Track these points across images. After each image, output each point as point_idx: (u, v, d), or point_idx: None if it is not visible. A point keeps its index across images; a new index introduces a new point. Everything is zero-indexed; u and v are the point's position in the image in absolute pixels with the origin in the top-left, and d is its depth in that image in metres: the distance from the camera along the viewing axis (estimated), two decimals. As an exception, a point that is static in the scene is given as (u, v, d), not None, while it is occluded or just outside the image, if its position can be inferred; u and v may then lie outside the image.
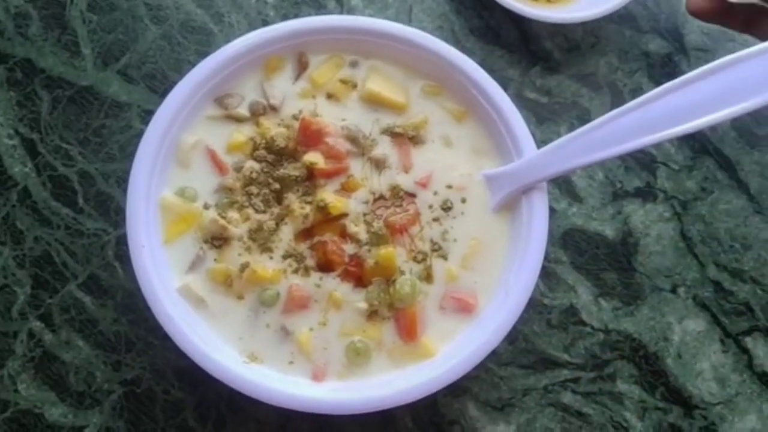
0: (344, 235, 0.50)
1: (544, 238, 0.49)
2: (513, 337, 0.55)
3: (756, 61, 0.41)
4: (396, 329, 0.50)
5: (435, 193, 0.51)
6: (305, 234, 0.51)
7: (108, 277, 0.55)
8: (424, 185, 0.51)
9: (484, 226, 0.51)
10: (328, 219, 0.50)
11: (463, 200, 0.51)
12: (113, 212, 0.56)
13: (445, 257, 0.50)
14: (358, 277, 0.50)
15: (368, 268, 0.50)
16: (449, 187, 0.51)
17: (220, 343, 0.49)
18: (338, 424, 0.53)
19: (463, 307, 0.50)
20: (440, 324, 0.50)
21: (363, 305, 0.49)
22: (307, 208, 0.50)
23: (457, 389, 0.54)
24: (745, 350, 0.56)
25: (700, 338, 0.56)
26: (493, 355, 0.49)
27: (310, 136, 0.51)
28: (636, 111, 0.45)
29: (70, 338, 0.54)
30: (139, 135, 0.55)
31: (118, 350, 0.54)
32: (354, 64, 0.54)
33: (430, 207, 0.51)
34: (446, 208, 0.51)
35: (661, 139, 0.44)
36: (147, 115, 0.57)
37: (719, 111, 0.42)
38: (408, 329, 0.49)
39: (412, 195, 0.51)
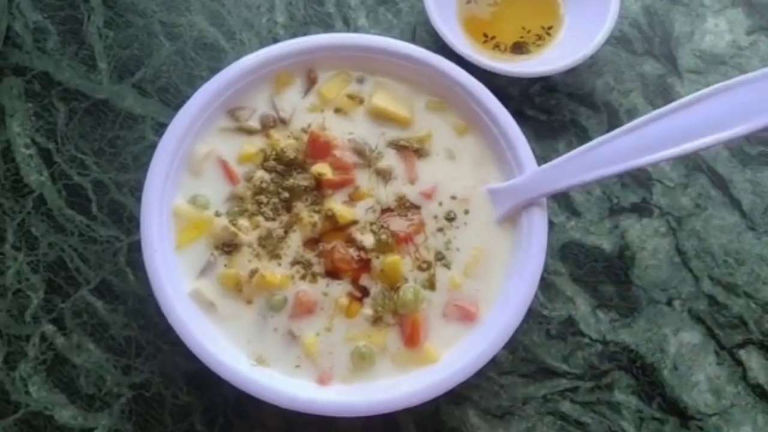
0: (351, 243, 0.52)
1: (543, 250, 0.51)
2: (513, 346, 0.56)
3: (749, 87, 0.44)
4: (400, 335, 0.51)
5: (440, 204, 0.53)
6: (313, 242, 0.52)
7: (119, 282, 0.56)
8: (428, 196, 0.53)
9: (486, 237, 0.53)
10: (335, 228, 0.52)
11: (466, 211, 0.53)
12: (126, 220, 0.57)
13: (448, 266, 0.52)
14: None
15: (374, 276, 0.51)
16: (453, 198, 0.53)
17: (229, 346, 0.50)
18: (342, 430, 0.54)
19: (465, 315, 0.51)
20: (443, 331, 0.51)
21: (368, 311, 0.51)
22: (316, 217, 0.52)
23: (459, 397, 0.55)
24: (739, 362, 0.57)
25: (695, 350, 0.57)
26: (494, 363, 0.50)
27: (318, 148, 0.53)
28: (633, 133, 0.47)
29: (82, 342, 0.55)
30: (152, 146, 0.56)
31: (128, 354, 0.55)
32: (361, 80, 0.56)
33: (435, 217, 0.53)
34: (450, 218, 0.53)
35: (656, 160, 0.46)
36: (160, 127, 0.59)
37: (713, 135, 0.44)
38: (411, 335, 0.51)
39: (418, 207, 0.53)
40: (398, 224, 0.52)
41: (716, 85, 0.44)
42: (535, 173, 0.51)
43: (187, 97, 0.53)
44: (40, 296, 0.56)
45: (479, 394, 0.56)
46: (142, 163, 0.58)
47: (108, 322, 0.56)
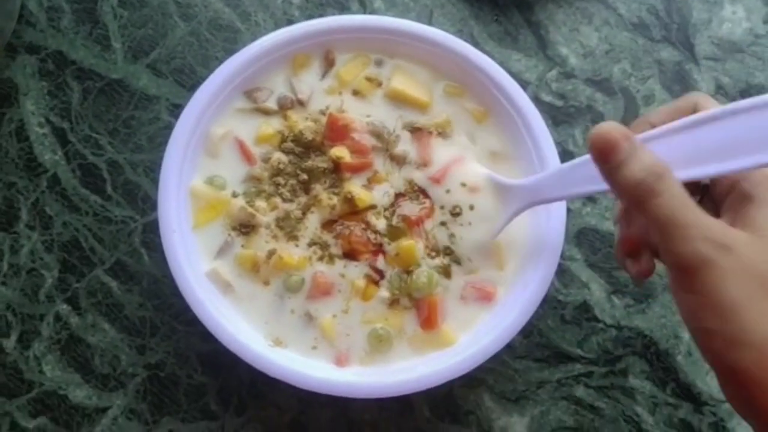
0: (367, 226, 0.52)
1: (562, 233, 0.51)
2: (528, 331, 0.56)
3: None
4: (416, 318, 0.51)
5: (447, 192, 0.52)
6: (331, 224, 0.52)
7: (134, 263, 0.56)
8: (437, 181, 0.52)
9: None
10: (353, 211, 0.52)
11: (471, 207, 0.52)
12: (140, 200, 0.57)
13: (464, 251, 0.52)
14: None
15: (389, 259, 0.51)
16: (463, 185, 0.52)
17: (246, 327, 0.50)
18: (357, 412, 0.54)
19: (484, 296, 0.51)
20: (460, 313, 0.51)
21: (385, 294, 0.51)
22: (335, 199, 0.51)
23: (473, 381, 0.55)
24: (752, 350, 0.57)
25: (708, 337, 0.57)
26: (509, 348, 0.50)
27: (336, 130, 0.53)
28: (663, 139, 0.38)
29: (96, 322, 0.55)
30: (167, 127, 0.56)
31: (142, 334, 0.55)
32: (379, 63, 0.55)
33: (442, 207, 0.52)
34: (456, 214, 0.52)
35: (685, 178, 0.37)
36: (175, 108, 0.58)
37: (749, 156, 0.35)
38: (428, 318, 0.51)
39: (426, 194, 0.52)
40: (410, 208, 0.52)
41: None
42: (558, 171, 0.46)
43: (202, 78, 0.53)
44: (54, 276, 0.56)
45: (494, 378, 0.56)
46: (156, 143, 0.58)
47: (123, 302, 0.55)
